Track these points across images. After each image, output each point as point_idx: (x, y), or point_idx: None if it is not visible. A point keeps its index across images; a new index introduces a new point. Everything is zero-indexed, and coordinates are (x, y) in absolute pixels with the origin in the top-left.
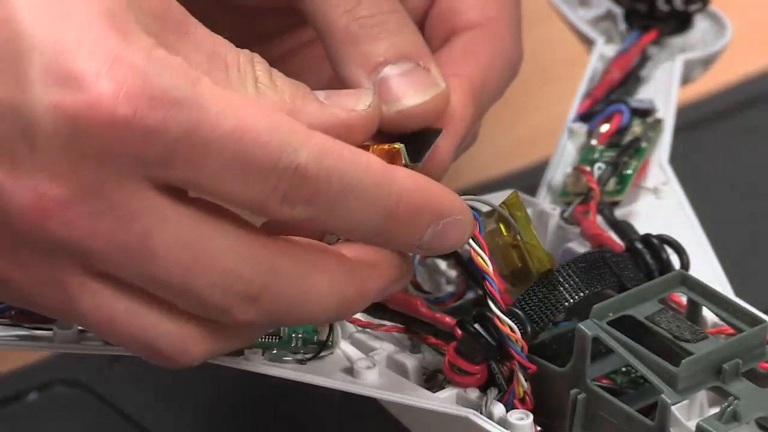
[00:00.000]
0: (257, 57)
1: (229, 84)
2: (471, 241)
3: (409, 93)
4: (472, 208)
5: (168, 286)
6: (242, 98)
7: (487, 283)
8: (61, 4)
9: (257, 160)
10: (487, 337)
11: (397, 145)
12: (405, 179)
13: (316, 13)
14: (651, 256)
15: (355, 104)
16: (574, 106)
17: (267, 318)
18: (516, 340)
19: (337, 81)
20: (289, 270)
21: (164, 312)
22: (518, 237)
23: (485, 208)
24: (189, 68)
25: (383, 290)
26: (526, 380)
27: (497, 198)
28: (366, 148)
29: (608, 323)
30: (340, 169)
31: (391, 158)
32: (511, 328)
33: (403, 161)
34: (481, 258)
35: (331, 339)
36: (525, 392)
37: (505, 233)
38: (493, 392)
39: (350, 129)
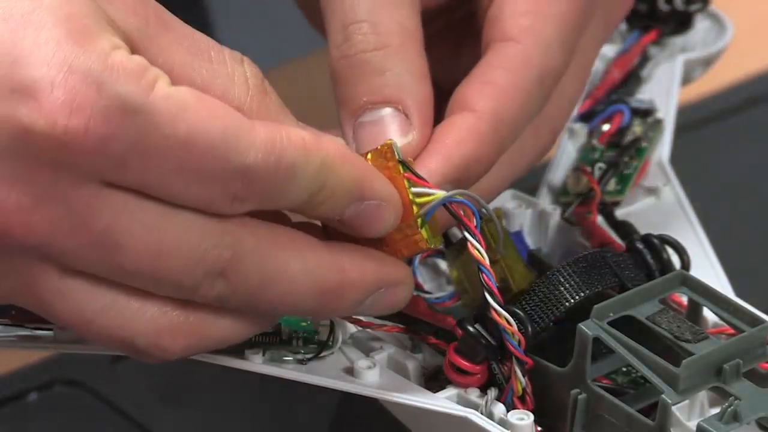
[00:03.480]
0: (247, 59)
1: (213, 76)
2: (467, 234)
3: (378, 143)
4: (467, 199)
5: (138, 273)
6: (196, 100)
7: (484, 275)
8: (21, 14)
9: (208, 165)
10: (488, 337)
11: (388, 141)
12: (332, 150)
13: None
14: (651, 256)
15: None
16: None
17: (238, 295)
18: (512, 333)
19: None
20: (252, 244)
21: (138, 308)
22: (498, 253)
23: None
24: (147, 70)
25: (369, 287)
26: (523, 375)
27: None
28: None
29: (609, 323)
30: (286, 160)
31: (384, 155)
32: (508, 321)
33: (396, 156)
34: (477, 250)
35: (331, 339)
36: (525, 390)
37: None
38: (493, 392)
39: None
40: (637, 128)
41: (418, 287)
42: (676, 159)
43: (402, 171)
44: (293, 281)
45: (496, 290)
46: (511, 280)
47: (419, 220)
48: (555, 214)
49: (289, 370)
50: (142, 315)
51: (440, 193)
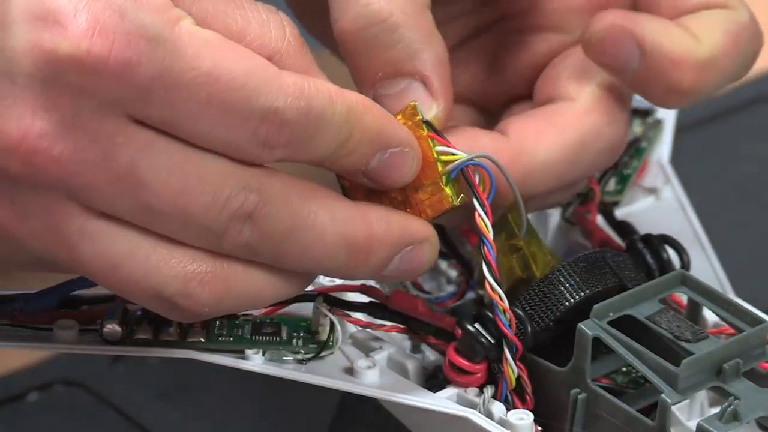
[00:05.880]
0: (282, 12)
1: (248, 21)
2: (476, 202)
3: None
4: (488, 165)
5: (163, 215)
6: (222, 41)
7: (485, 248)
8: None
9: (233, 103)
10: (488, 336)
11: (412, 103)
12: (355, 100)
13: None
14: (651, 255)
15: None
16: None
17: (266, 244)
18: (504, 310)
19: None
20: (280, 190)
21: (166, 253)
22: (521, 239)
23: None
24: (171, 7)
25: (397, 242)
26: (514, 360)
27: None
28: None
29: (609, 323)
30: (315, 105)
31: (408, 116)
32: (500, 297)
33: (420, 116)
34: (483, 222)
35: (331, 339)
36: (522, 385)
37: (503, 237)
38: (489, 390)
39: None
40: (637, 128)
41: (418, 287)
42: (676, 159)
43: (426, 130)
44: (322, 232)
45: (494, 264)
46: (535, 267)
47: (444, 178)
48: (555, 214)
49: (289, 370)
50: (170, 260)
51: (463, 154)
